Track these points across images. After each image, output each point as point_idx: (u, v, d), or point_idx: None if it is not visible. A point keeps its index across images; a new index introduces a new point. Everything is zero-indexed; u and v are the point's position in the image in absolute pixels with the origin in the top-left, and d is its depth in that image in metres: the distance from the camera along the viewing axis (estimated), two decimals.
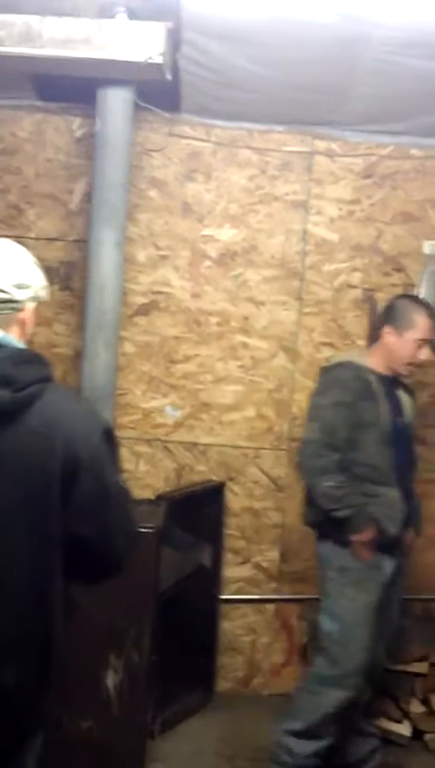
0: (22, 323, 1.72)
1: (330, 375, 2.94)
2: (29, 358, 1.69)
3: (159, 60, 2.87)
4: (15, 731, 1.71)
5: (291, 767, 2.88)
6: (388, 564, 2.88)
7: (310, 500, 2.93)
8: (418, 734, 3.36)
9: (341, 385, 2.86)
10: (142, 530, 2.78)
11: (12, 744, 1.72)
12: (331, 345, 3.73)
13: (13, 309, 1.70)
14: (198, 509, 3.59)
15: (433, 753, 3.31)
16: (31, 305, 1.73)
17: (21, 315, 1.71)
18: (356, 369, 2.89)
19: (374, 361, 2.93)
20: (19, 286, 1.69)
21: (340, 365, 2.96)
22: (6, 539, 1.61)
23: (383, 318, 3.04)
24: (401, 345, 2.91)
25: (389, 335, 2.93)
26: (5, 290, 1.68)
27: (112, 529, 1.72)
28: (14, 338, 1.70)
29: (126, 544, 1.76)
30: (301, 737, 2.87)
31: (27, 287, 1.71)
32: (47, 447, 1.62)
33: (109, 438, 1.72)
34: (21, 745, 1.75)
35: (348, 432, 2.82)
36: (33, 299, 1.73)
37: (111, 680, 2.86)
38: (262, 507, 3.75)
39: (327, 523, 2.86)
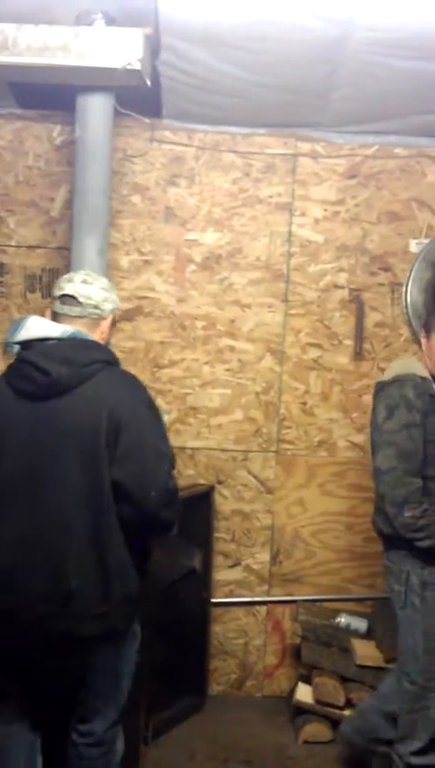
0: (102, 329, 2.39)
1: (390, 393, 2.77)
2: (89, 345, 2.30)
3: (137, 66, 2.85)
4: (88, 633, 2.25)
5: None
6: None
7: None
8: None
9: (407, 404, 2.71)
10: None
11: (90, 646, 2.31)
12: (318, 346, 3.73)
13: (98, 315, 2.37)
14: (188, 513, 3.58)
15: None
16: (110, 316, 2.41)
17: (102, 322, 2.39)
18: (416, 383, 2.75)
19: (423, 368, 2.82)
20: (105, 300, 2.39)
21: (398, 380, 2.78)
22: (68, 479, 2.21)
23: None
24: (430, 347, 2.82)
25: (423, 338, 2.86)
26: (95, 299, 2.36)
27: (146, 479, 2.19)
28: (88, 335, 2.32)
29: (161, 498, 2.20)
30: (423, 753, 2.82)
31: (110, 301, 2.41)
32: (96, 413, 2.19)
33: (151, 409, 2.30)
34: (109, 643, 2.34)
35: (422, 451, 2.71)
36: (112, 311, 2.42)
37: None
38: (251, 510, 3.75)
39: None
